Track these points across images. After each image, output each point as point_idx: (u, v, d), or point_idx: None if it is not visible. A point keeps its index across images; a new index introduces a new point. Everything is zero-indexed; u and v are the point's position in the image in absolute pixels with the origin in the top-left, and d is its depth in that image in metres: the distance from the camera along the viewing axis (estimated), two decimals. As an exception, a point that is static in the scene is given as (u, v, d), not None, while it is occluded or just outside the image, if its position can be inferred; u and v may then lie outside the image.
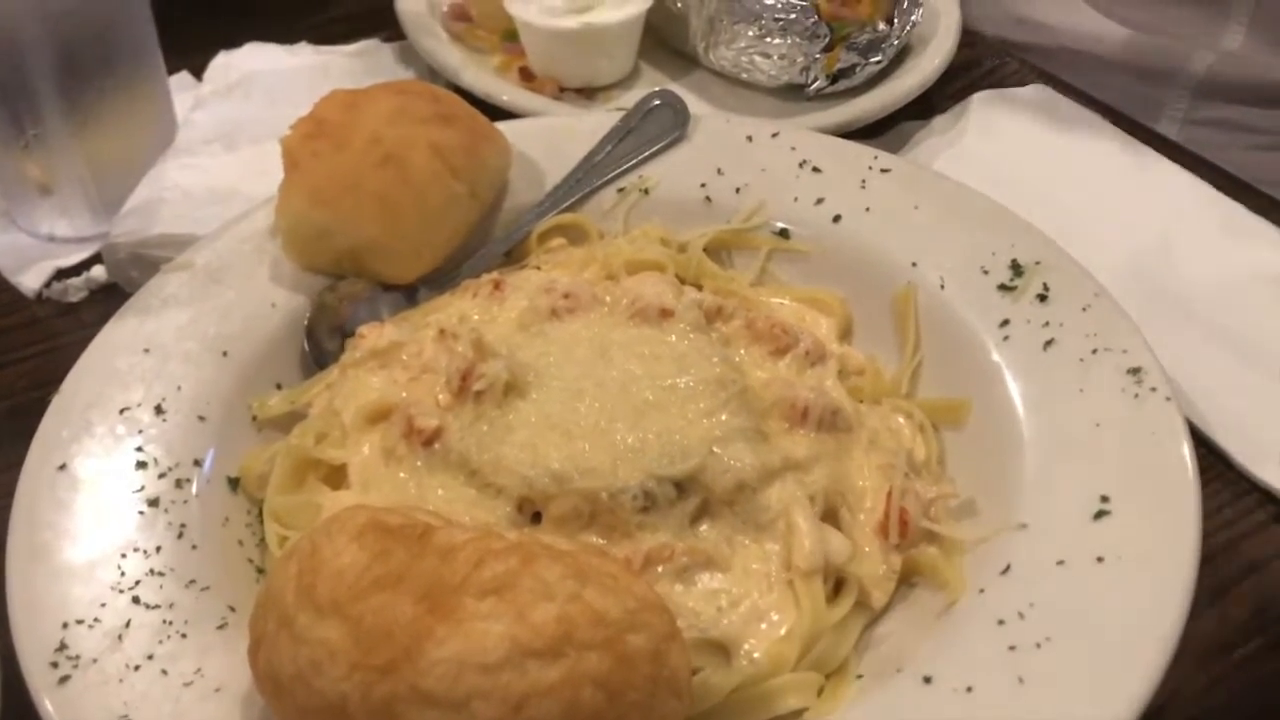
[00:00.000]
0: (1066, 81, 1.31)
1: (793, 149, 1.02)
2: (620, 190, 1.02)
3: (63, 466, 0.79)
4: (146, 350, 0.88)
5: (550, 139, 1.05)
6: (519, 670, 0.58)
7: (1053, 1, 1.50)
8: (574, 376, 0.82)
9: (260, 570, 0.79)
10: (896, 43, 1.22)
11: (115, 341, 0.88)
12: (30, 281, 1.10)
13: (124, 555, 0.75)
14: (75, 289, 1.10)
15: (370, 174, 0.92)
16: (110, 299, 1.09)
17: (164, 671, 0.68)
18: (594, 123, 1.06)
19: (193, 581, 0.74)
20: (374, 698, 0.59)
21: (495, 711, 0.57)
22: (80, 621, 0.70)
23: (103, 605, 0.72)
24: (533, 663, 0.58)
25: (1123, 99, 1.31)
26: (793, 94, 1.24)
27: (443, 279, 0.97)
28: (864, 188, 0.99)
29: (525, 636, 0.59)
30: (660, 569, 0.73)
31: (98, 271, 1.10)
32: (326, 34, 1.37)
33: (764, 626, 0.72)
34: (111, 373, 0.86)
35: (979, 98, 1.25)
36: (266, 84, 1.28)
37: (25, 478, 0.78)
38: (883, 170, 0.99)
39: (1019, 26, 1.52)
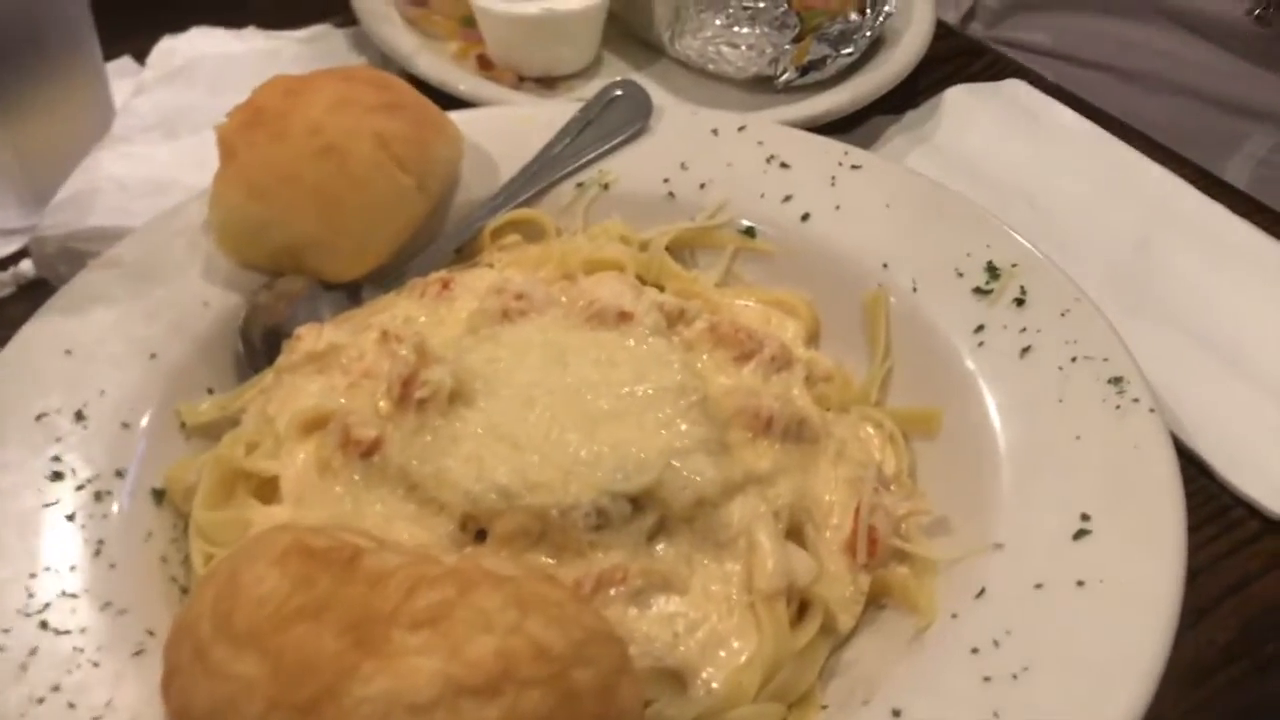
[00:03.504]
0: (1098, 109, 1.23)
1: (760, 143, 0.98)
2: (579, 185, 0.97)
3: (-26, 477, 0.74)
4: (68, 351, 0.82)
5: (505, 130, 1.00)
6: (452, 711, 0.53)
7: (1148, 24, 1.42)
8: (525, 384, 0.77)
9: (185, 590, 0.73)
10: (869, 34, 1.17)
11: (34, 341, 0.82)
12: (-47, 276, 1.04)
13: (33, 575, 0.69)
14: (1, 284, 1.03)
15: (310, 165, 0.86)
16: (38, 296, 1.02)
17: (71, 705, 0.63)
18: (552, 113, 1.01)
19: (109, 604, 0.69)
20: (294, 740, 0.54)
21: (426, 756, 0.52)
22: (-18, 648, 0.65)
23: (6, 631, 0.66)
24: (468, 702, 0.53)
25: (1196, 128, 1.24)
26: (761, 86, 1.19)
27: (388, 277, 0.92)
28: (834, 185, 0.94)
29: (460, 673, 0.54)
30: (613, 592, 0.68)
31: (25, 266, 1.04)
32: (277, 19, 1.31)
33: (723, 653, 0.68)
34: (29, 375, 0.80)
35: (953, 92, 1.21)
36: (212, 70, 1.22)
37: (-71, 490, 0.73)
38: (854, 167, 0.95)
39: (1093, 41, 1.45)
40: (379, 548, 0.61)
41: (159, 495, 0.77)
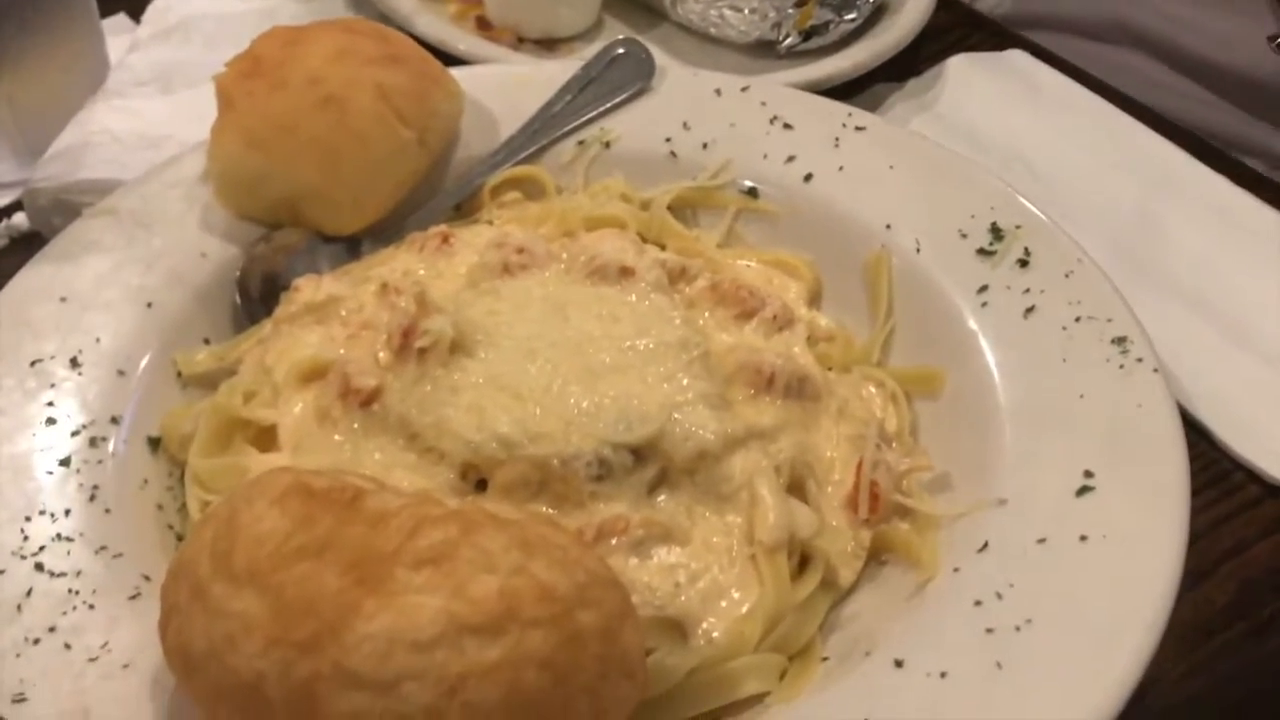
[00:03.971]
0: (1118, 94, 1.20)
1: (763, 104, 0.97)
2: (580, 143, 0.96)
3: (-30, 422, 0.73)
4: (63, 299, 0.81)
5: (506, 87, 0.99)
6: (455, 649, 0.52)
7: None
8: (526, 336, 0.76)
9: (180, 537, 0.73)
10: (872, 0, 1.17)
11: (29, 288, 0.82)
12: (-58, 228, 1.03)
13: (28, 518, 0.69)
14: (-7, 236, 1.02)
15: (310, 116, 0.85)
16: (30, 248, 1.01)
17: (67, 645, 0.62)
18: (553, 71, 1.00)
19: (104, 548, 0.68)
20: (293, 677, 0.53)
21: (428, 695, 0.52)
22: (-23, 589, 0.64)
23: (1, 572, 0.65)
24: (471, 641, 0.53)
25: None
26: (763, 51, 1.18)
27: (387, 231, 0.91)
28: (837, 146, 0.93)
29: (463, 612, 0.53)
30: (614, 541, 0.68)
31: (18, 219, 1.03)
32: (274, -23, 1.29)
33: (724, 604, 0.67)
34: (23, 321, 0.79)
35: (955, 61, 1.20)
36: (208, 28, 1.21)
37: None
38: (857, 128, 0.94)
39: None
40: (380, 489, 0.60)
41: (154, 443, 0.76)
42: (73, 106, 1.07)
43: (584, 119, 0.97)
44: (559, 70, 1.00)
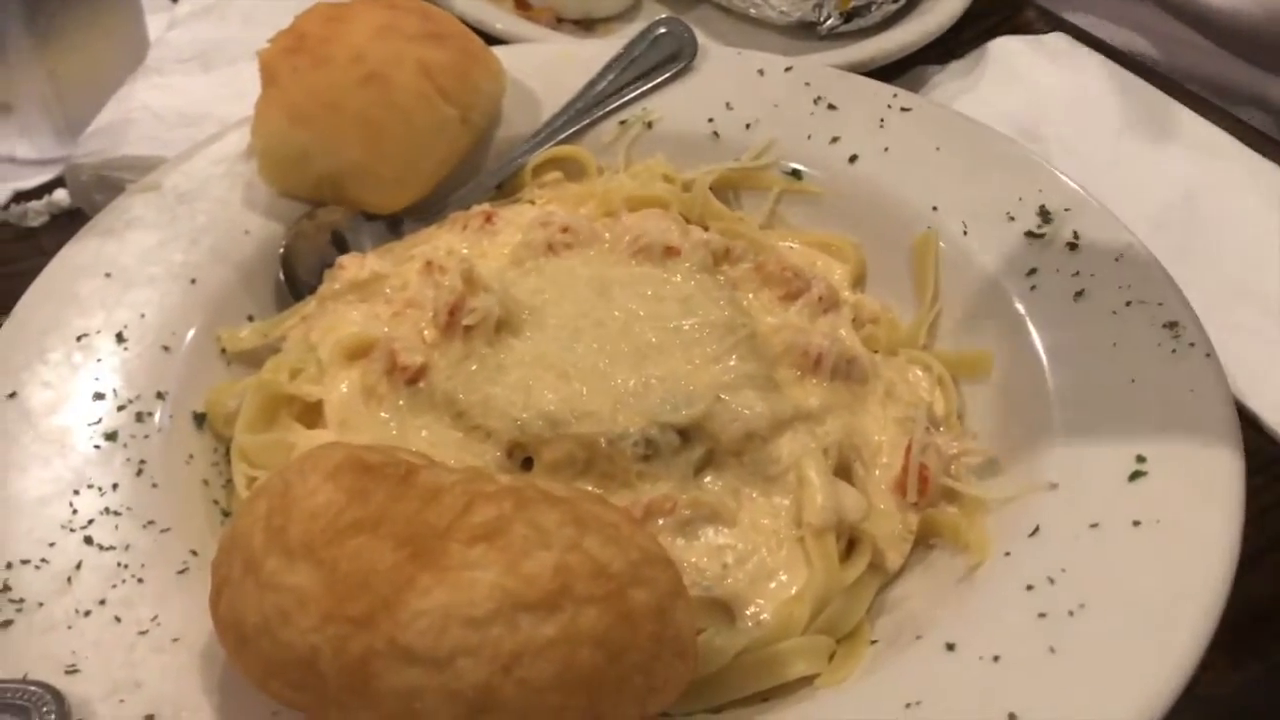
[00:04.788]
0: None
1: (807, 84, 0.96)
2: (622, 123, 0.96)
3: (12, 395, 0.73)
4: (108, 275, 0.81)
5: (548, 66, 0.99)
6: (510, 625, 0.52)
7: None
8: (571, 315, 0.76)
9: (226, 513, 0.73)
10: (916, -20, 1.16)
11: (74, 264, 0.82)
12: (-14, 204, 1.03)
13: (76, 492, 0.69)
14: (35, 213, 1.03)
15: (353, 92, 0.85)
16: (72, 224, 1.02)
17: (117, 618, 0.62)
18: (595, 50, 1.00)
19: (151, 522, 0.68)
20: (348, 652, 0.53)
21: (483, 671, 0.52)
22: (26, 562, 0.64)
23: (51, 545, 0.65)
24: (526, 617, 0.53)
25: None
26: (803, 33, 1.17)
27: (429, 210, 0.91)
28: (882, 127, 0.93)
29: (518, 588, 0.53)
30: (661, 522, 0.68)
31: (59, 195, 1.03)
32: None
33: (772, 586, 0.67)
34: (69, 297, 0.79)
35: (997, 43, 1.19)
36: (245, 5, 1.20)
37: (-29, 406, 0.72)
38: (903, 109, 0.93)
39: None
40: (431, 465, 0.60)
41: (200, 419, 0.76)
42: (112, 83, 1.07)
43: (626, 98, 0.97)
44: (601, 49, 1.00)
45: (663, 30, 1.00)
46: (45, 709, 0.57)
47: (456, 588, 0.53)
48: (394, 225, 0.89)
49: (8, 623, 0.61)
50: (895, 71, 1.15)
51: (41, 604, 0.62)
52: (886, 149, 0.91)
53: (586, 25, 1.20)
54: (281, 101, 0.85)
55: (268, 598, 0.55)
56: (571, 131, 0.95)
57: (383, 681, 0.53)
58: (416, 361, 0.74)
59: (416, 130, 0.86)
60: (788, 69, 0.97)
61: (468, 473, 0.59)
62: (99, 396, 0.74)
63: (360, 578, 0.54)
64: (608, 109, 0.96)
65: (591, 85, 0.97)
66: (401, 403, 0.74)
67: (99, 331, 0.78)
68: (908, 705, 0.58)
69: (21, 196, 1.04)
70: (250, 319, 0.83)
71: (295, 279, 0.85)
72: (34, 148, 1.06)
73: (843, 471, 0.72)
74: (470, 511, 0.55)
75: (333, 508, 0.56)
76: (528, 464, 0.71)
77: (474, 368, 0.73)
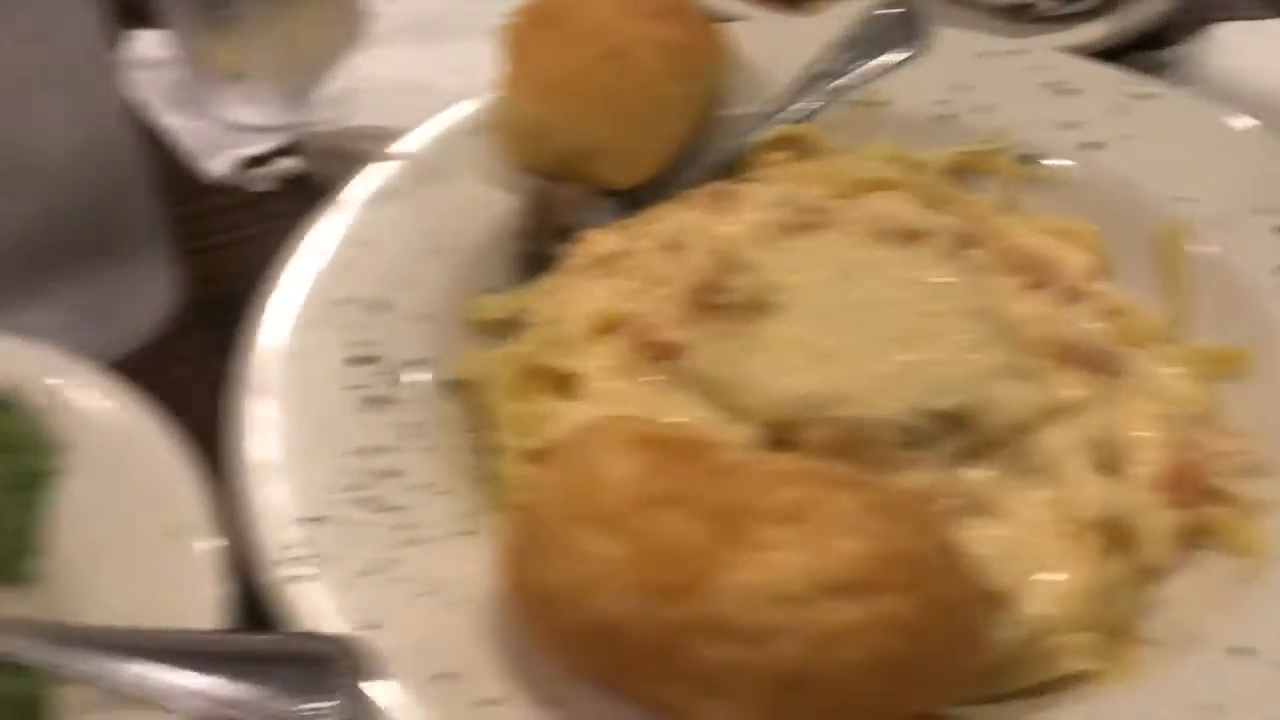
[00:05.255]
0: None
1: (1041, 68, 0.94)
2: (849, 103, 0.95)
3: (284, 357, 0.76)
4: (362, 242, 0.83)
5: (772, 43, 0.98)
6: (823, 607, 0.53)
7: None
8: (821, 297, 0.76)
9: (488, 479, 0.74)
10: (1139, -39, 1.12)
11: (328, 230, 0.84)
12: (216, 168, 1.07)
13: (353, 453, 0.71)
14: (263, 179, 1.06)
15: (598, 69, 0.86)
16: (298, 191, 1.06)
17: (406, 578, 0.64)
18: (822, 28, 0.99)
19: (427, 485, 0.70)
20: (658, 623, 0.54)
21: (798, 648, 0.52)
22: (315, 519, 0.67)
23: (337, 503, 0.68)
24: (835, 600, 0.53)
25: None
26: (1014, 15, 1.15)
27: (660, 187, 0.91)
28: (1124, 114, 0.90)
29: (828, 571, 0.53)
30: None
31: (286, 162, 1.06)
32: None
33: (1041, 579, 0.66)
34: (325, 262, 0.82)
35: (1221, 30, 1.15)
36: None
37: (246, 364, 0.75)
38: (1146, 96, 0.91)
39: None
40: (720, 443, 0.60)
41: (455, 386, 0.78)
42: (336, 54, 1.09)
43: (853, 78, 0.96)
44: (826, 27, 0.99)
45: (892, 10, 0.98)
46: (348, 661, 0.59)
47: (764, 567, 0.53)
48: (628, 201, 0.90)
49: (303, 577, 0.64)
50: (1109, 58, 1.12)
51: (335, 560, 0.64)
52: (1128, 136, 0.89)
53: (793, 2, 1.19)
54: (528, 77, 0.87)
55: (574, 566, 0.56)
56: (799, 110, 0.95)
57: (693, 654, 0.54)
58: (670, 338, 0.75)
59: (656, 107, 0.87)
60: (1021, 52, 0.95)
61: (757, 453, 0.60)
62: (367, 360, 0.76)
63: (670, 551, 0.54)
64: (835, 88, 0.95)
65: (817, 64, 0.96)
66: (653, 379, 0.74)
67: (355, 298, 0.80)
68: (1204, 708, 0.57)
69: (249, 162, 1.07)
70: (491, 290, 0.85)
71: (536, 252, 0.86)
72: (261, 114, 1.09)
73: (1105, 466, 0.71)
74: (772, 491, 0.56)
75: (634, 480, 0.57)
76: (779, 446, 0.71)
77: (730, 346, 0.73)
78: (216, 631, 0.61)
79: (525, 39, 0.87)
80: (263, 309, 0.78)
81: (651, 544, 0.55)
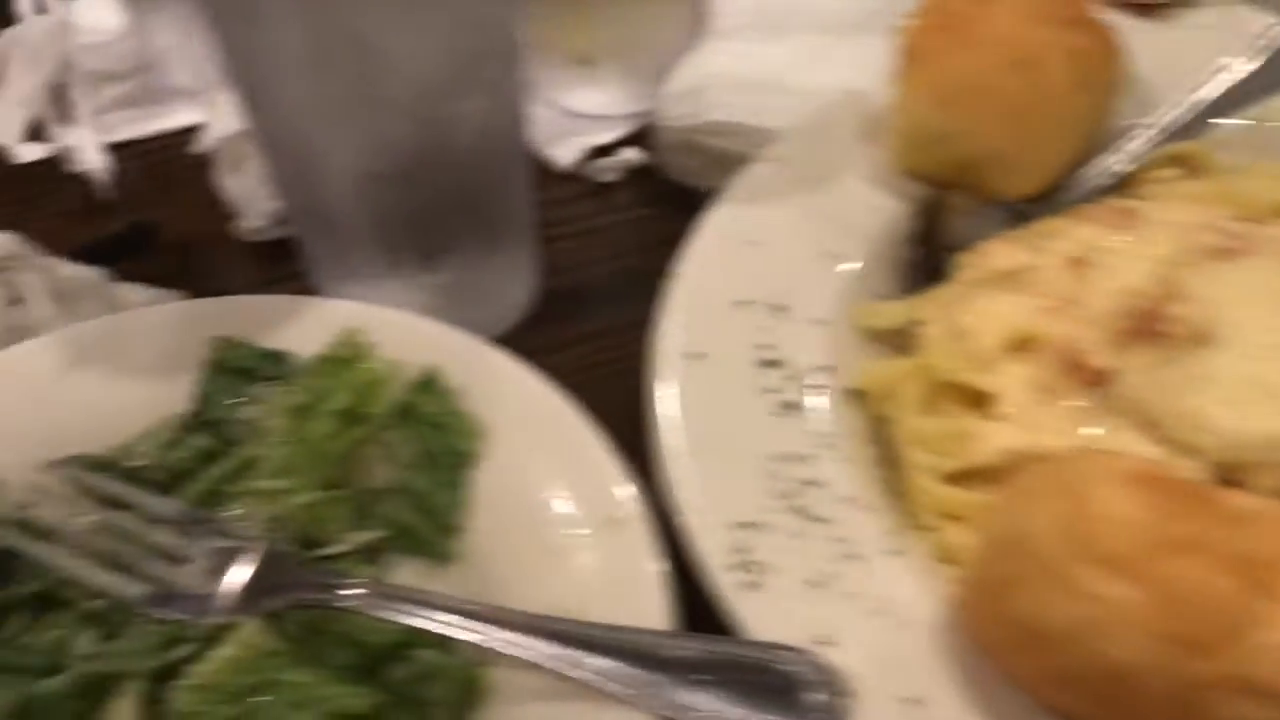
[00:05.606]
0: None
1: None
2: (1246, 120, 0.90)
3: (692, 356, 0.76)
4: (753, 243, 0.83)
5: (1163, 52, 0.93)
6: (1372, 674, 0.49)
7: None
8: (1259, 329, 0.72)
9: (894, 494, 0.73)
10: None
11: (720, 231, 0.84)
12: (562, 157, 1.08)
13: (774, 459, 0.70)
14: (608, 169, 1.06)
15: (1002, 77, 0.83)
16: (643, 182, 1.06)
17: (849, 593, 0.64)
18: (1215, 40, 0.94)
19: (850, 498, 0.69)
20: (1180, 675, 0.52)
21: (1344, 719, 0.49)
22: (751, 525, 0.66)
23: (769, 510, 0.67)
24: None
25: None
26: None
27: (1046, 200, 0.88)
28: None
29: (1375, 636, 0.50)
30: None
31: (630, 153, 1.07)
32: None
33: None
34: (721, 263, 0.82)
35: None
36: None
37: (658, 360, 0.75)
38: None
39: None
40: (1219, 487, 0.57)
41: (856, 396, 0.77)
42: (678, 46, 1.09)
43: (1250, 94, 0.90)
44: (1219, 40, 0.94)
45: (1297, 27, 0.93)
46: (819, 678, 0.58)
47: (1303, 626, 0.51)
48: (1016, 213, 0.87)
49: (753, 585, 0.63)
50: None
51: (778, 570, 0.64)
52: None
53: (1141, 8, 1.14)
54: (928, 82, 0.85)
55: (1079, 606, 0.54)
56: (1189, 126, 0.90)
57: (1212, 710, 0.51)
58: (1100, 364, 0.72)
59: (1061, 118, 0.84)
60: None
61: (1265, 500, 0.56)
62: (774, 364, 0.76)
63: (1195, 601, 0.52)
64: (1230, 104, 0.90)
65: (1213, 77, 0.92)
66: (1081, 404, 0.72)
67: (753, 301, 0.80)
68: None
69: (594, 152, 1.08)
70: (881, 297, 0.83)
71: (927, 261, 0.84)
72: (606, 104, 1.10)
73: None
74: (1297, 544, 0.53)
75: (1141, 523, 0.55)
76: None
77: (1168, 377, 0.70)
78: (671, 632, 0.61)
79: (926, 42, 0.85)
80: (666, 307, 0.78)
81: (1174, 593, 0.52)
